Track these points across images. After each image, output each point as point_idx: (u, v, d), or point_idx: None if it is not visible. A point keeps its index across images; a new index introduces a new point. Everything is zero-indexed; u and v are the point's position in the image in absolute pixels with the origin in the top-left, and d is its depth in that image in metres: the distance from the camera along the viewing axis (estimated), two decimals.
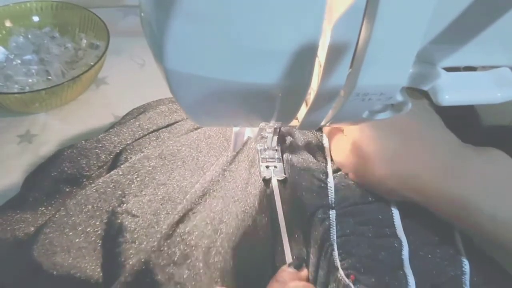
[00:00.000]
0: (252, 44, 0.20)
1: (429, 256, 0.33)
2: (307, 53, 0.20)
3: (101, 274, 0.33)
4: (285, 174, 0.39)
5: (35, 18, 0.58)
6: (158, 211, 0.36)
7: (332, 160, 0.39)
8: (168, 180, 0.38)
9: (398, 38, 0.20)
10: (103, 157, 0.40)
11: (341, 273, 0.31)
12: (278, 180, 0.38)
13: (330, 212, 0.35)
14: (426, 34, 0.20)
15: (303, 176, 0.37)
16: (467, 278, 0.32)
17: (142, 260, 0.32)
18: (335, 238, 0.33)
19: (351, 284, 0.30)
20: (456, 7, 0.20)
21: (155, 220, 0.35)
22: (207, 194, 0.36)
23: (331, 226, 0.34)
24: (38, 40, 0.55)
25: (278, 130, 0.38)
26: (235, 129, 0.38)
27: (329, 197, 0.36)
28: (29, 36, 0.55)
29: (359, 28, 0.19)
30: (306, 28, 0.19)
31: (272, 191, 0.38)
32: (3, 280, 0.33)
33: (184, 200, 0.36)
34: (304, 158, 0.39)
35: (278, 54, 0.20)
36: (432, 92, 0.23)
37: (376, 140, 0.34)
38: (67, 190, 0.38)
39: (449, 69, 0.23)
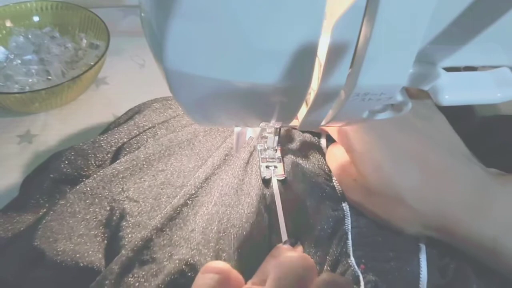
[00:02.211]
0: (252, 44, 0.20)
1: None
2: (307, 53, 0.20)
3: (104, 259, 0.34)
4: (285, 174, 0.39)
5: (35, 18, 0.58)
6: (159, 196, 0.37)
7: None
8: (165, 166, 0.39)
9: (398, 38, 0.20)
10: (100, 156, 0.41)
11: (352, 260, 0.31)
12: (278, 180, 0.39)
13: (343, 204, 0.36)
14: (426, 34, 0.20)
15: (304, 173, 0.38)
16: (474, 281, 0.32)
17: (144, 237, 0.33)
18: (349, 228, 0.34)
19: (359, 272, 0.31)
20: (456, 7, 0.20)
21: (156, 204, 0.36)
22: (210, 178, 0.38)
23: (345, 217, 0.34)
24: (38, 40, 0.55)
25: (278, 130, 0.38)
26: (237, 129, 0.38)
27: (337, 190, 0.37)
28: (29, 36, 0.55)
29: (359, 28, 0.19)
30: (306, 28, 0.19)
31: (272, 190, 0.38)
32: (5, 270, 0.33)
33: (188, 184, 0.37)
34: (304, 157, 0.39)
35: (278, 54, 0.20)
36: (432, 92, 0.23)
37: (402, 182, 0.31)
38: (68, 190, 0.39)
39: (449, 69, 0.24)
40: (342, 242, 0.33)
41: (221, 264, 0.26)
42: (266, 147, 0.40)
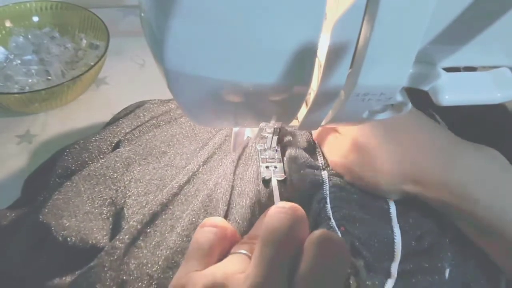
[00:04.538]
0: (252, 44, 0.20)
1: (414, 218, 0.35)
2: (307, 53, 0.20)
3: (108, 236, 0.34)
4: (285, 174, 0.39)
5: (35, 18, 0.58)
6: (164, 177, 0.38)
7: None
8: (168, 149, 0.40)
9: (398, 38, 0.20)
10: (104, 148, 0.41)
11: (332, 222, 0.33)
12: (278, 180, 0.38)
13: (322, 173, 0.37)
14: (426, 34, 0.20)
15: (295, 162, 0.39)
16: (448, 249, 0.34)
17: (151, 211, 0.34)
18: (327, 193, 0.35)
19: (339, 233, 0.32)
20: (456, 7, 0.20)
21: (162, 184, 0.37)
22: (211, 157, 0.39)
23: (324, 183, 0.36)
24: (38, 40, 0.55)
25: (278, 130, 0.38)
26: (235, 129, 0.38)
27: (319, 160, 0.39)
28: (29, 36, 0.55)
29: (359, 28, 0.19)
30: (306, 28, 0.19)
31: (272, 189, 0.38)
32: (12, 257, 0.33)
33: (191, 163, 0.38)
34: (299, 154, 0.40)
35: (278, 54, 0.20)
36: (432, 92, 0.23)
37: (379, 135, 0.34)
38: None
39: (449, 69, 0.24)
40: (321, 205, 0.35)
41: (218, 220, 0.27)
42: (265, 147, 0.40)
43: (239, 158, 0.39)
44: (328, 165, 0.39)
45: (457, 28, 0.21)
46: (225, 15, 0.19)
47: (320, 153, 0.40)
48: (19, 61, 0.53)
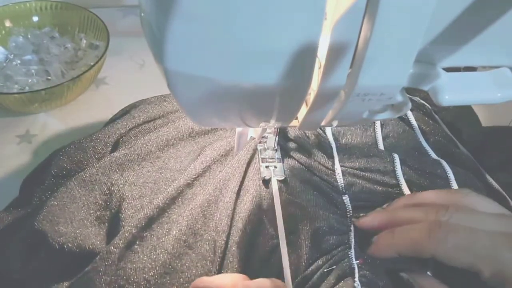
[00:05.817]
0: (252, 44, 0.20)
1: None
2: (307, 53, 0.20)
3: (104, 241, 0.34)
4: (285, 174, 0.39)
5: (35, 18, 0.58)
6: (158, 180, 0.38)
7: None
8: (162, 153, 0.40)
9: (398, 38, 0.20)
10: (99, 148, 0.41)
11: (352, 252, 0.31)
12: (278, 180, 0.38)
13: (344, 197, 0.36)
14: (426, 34, 0.20)
15: (304, 170, 0.38)
16: None
17: (148, 215, 0.34)
18: (351, 219, 0.34)
19: (355, 265, 0.30)
20: (456, 8, 0.20)
21: (156, 187, 0.37)
22: (214, 163, 0.39)
23: (347, 210, 0.35)
24: (37, 40, 0.55)
25: (278, 130, 0.38)
26: (238, 129, 0.38)
27: (339, 183, 0.38)
28: (29, 36, 0.55)
29: (359, 28, 0.19)
30: (306, 28, 0.19)
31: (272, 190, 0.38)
32: (11, 253, 0.33)
33: (189, 167, 0.38)
34: (305, 156, 0.39)
35: (278, 54, 0.20)
36: (432, 92, 0.23)
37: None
38: None
39: (449, 69, 0.24)
40: (343, 233, 0.33)
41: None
42: (266, 147, 0.40)
43: (248, 162, 0.39)
44: (349, 188, 0.37)
45: (457, 28, 0.21)
46: (225, 15, 0.19)
47: (340, 174, 0.38)
48: (19, 61, 0.53)
